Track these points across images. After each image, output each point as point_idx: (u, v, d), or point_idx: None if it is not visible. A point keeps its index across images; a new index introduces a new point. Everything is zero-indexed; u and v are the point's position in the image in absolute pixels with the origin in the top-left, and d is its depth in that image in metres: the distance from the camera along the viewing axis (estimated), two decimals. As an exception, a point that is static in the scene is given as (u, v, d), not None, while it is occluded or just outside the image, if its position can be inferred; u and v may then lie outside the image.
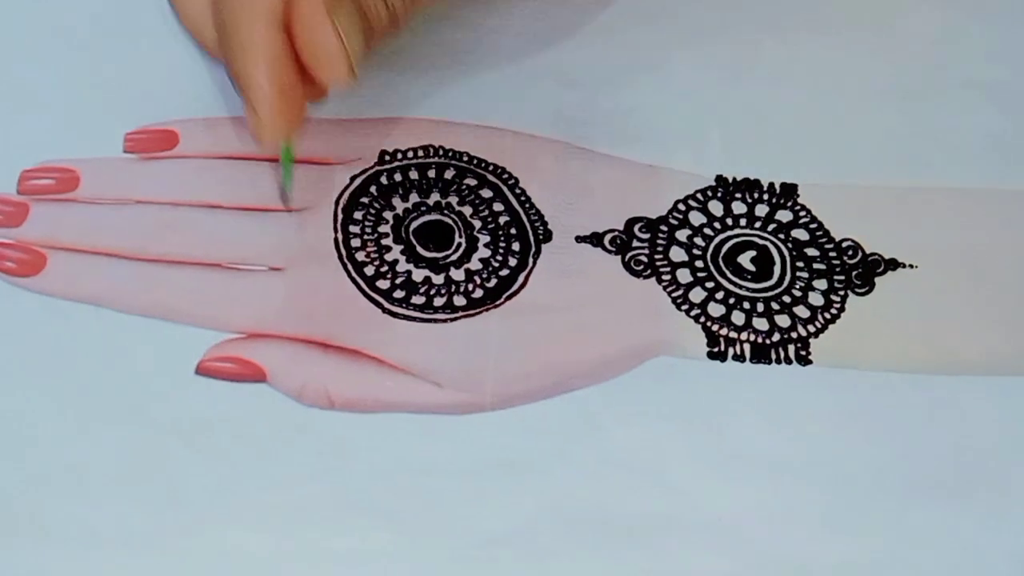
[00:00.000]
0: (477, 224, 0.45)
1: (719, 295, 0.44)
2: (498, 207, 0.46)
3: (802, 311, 0.44)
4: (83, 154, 0.46)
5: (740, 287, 0.45)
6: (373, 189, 0.46)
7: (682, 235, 0.46)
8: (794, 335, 0.44)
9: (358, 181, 0.46)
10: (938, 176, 0.47)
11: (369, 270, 0.44)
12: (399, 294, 0.44)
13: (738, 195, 0.47)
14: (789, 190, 0.47)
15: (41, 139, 0.46)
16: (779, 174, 0.47)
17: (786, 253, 0.45)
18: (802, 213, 0.46)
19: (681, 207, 0.46)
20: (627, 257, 0.45)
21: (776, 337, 0.44)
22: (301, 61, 0.42)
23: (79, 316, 0.43)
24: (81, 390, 0.42)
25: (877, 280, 0.45)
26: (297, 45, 0.42)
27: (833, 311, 0.44)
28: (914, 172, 0.47)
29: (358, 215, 0.45)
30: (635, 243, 0.45)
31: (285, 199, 0.45)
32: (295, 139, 0.44)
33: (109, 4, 0.49)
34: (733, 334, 0.44)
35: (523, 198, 0.46)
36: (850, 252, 0.45)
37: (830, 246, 0.45)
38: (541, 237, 0.45)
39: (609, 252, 0.45)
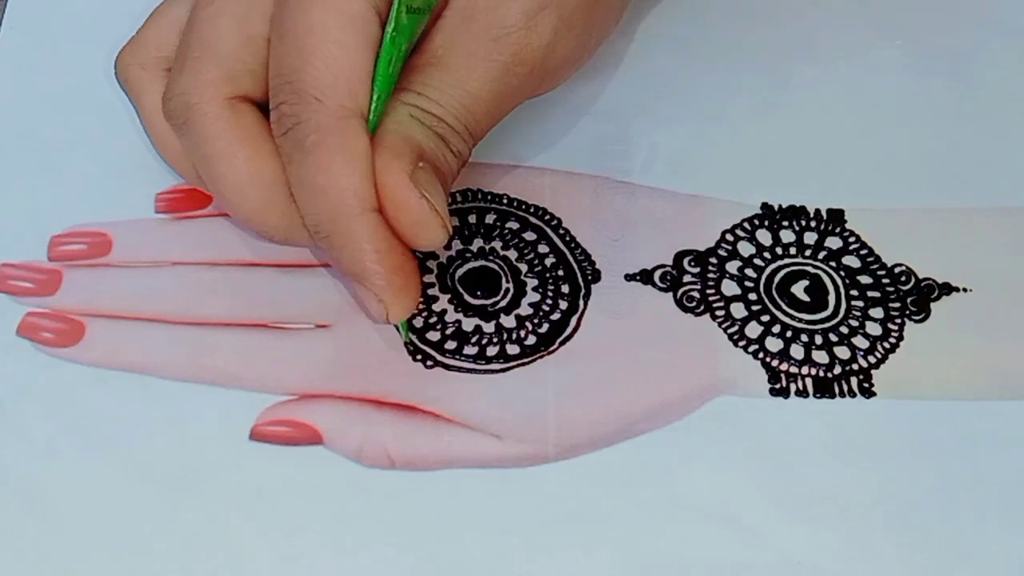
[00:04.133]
0: (523, 268, 0.44)
1: (776, 328, 0.44)
2: (543, 249, 0.45)
3: (861, 342, 0.43)
4: (114, 216, 0.45)
5: (796, 319, 0.44)
6: (415, 238, 0.45)
7: (732, 267, 0.45)
8: (855, 367, 0.43)
9: (399, 230, 0.45)
10: (983, 196, 0.46)
11: (418, 322, 0.43)
12: (451, 345, 0.43)
13: (785, 223, 0.46)
14: (836, 216, 0.46)
15: (70, 202, 0.45)
16: (823, 199, 0.46)
17: (839, 281, 0.45)
18: (851, 239, 0.45)
19: (729, 237, 0.45)
20: (679, 294, 0.44)
21: (838, 370, 0.43)
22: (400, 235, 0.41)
23: (123, 385, 0.42)
24: (132, 463, 0.40)
25: (932, 306, 0.44)
26: (391, 222, 0.40)
27: (892, 340, 0.43)
28: (958, 193, 0.46)
29: (402, 265, 0.44)
30: (686, 278, 0.44)
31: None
32: None
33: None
34: (794, 369, 0.43)
35: (568, 238, 0.45)
36: (903, 278, 0.45)
37: (882, 272, 0.45)
38: (590, 277, 0.44)
39: (660, 289, 0.44)
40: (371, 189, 0.40)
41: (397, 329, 0.43)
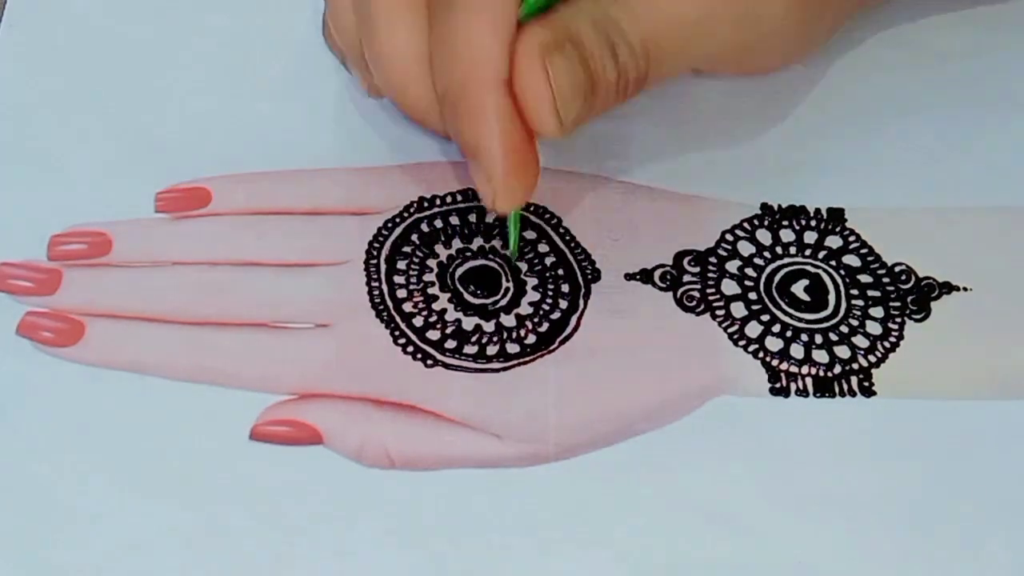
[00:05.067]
0: (523, 267, 0.44)
1: (776, 328, 0.44)
2: (543, 248, 0.45)
3: (861, 341, 0.43)
4: (113, 216, 0.45)
5: (796, 318, 0.44)
6: (415, 237, 0.45)
7: (732, 266, 0.45)
8: (855, 366, 0.43)
9: (399, 230, 0.45)
10: (983, 196, 0.46)
11: (418, 321, 0.43)
12: (451, 344, 0.43)
13: (785, 222, 0.46)
14: (836, 215, 0.46)
15: (69, 202, 0.45)
16: (823, 199, 0.46)
17: (839, 281, 0.45)
18: (851, 238, 0.45)
19: (729, 237, 0.45)
20: (679, 293, 0.44)
21: (838, 369, 0.43)
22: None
23: (123, 385, 0.42)
24: (131, 463, 0.40)
25: (933, 305, 0.44)
26: (515, 96, 0.39)
27: (892, 339, 0.43)
28: (958, 193, 0.46)
29: (402, 265, 0.44)
30: (686, 278, 0.44)
31: (510, 262, 0.44)
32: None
33: (133, 62, 0.48)
34: (794, 368, 0.43)
35: (567, 237, 0.45)
36: (903, 277, 0.45)
37: (883, 271, 0.45)
38: (590, 277, 0.44)
39: (660, 289, 0.44)
40: (505, 67, 0.39)
41: (507, 233, 0.43)
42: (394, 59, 0.41)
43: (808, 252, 0.45)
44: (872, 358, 0.43)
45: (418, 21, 0.41)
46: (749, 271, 0.45)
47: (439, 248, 0.45)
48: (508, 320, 0.43)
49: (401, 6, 0.41)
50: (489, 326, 0.43)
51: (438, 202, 0.46)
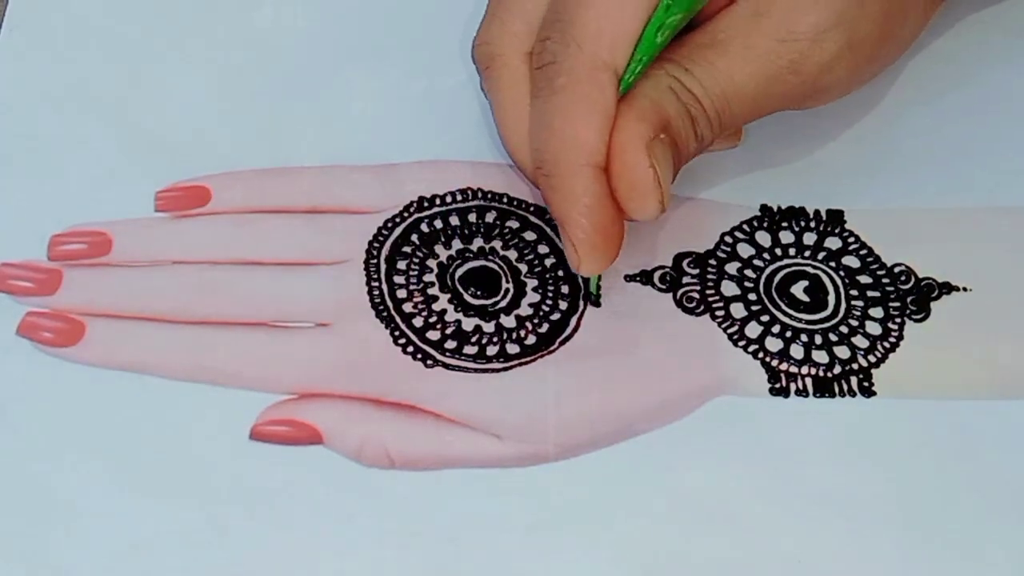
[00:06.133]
0: (523, 268, 0.44)
1: (775, 328, 0.44)
2: (543, 249, 0.45)
3: (861, 341, 0.43)
4: (113, 215, 0.45)
5: (796, 319, 0.44)
6: (414, 237, 0.45)
7: (732, 268, 0.45)
8: (855, 366, 0.43)
9: (399, 230, 0.45)
10: (983, 196, 0.46)
11: (418, 321, 0.43)
12: (451, 344, 0.43)
13: (784, 224, 0.46)
14: (836, 216, 0.46)
15: (69, 202, 0.45)
16: (823, 200, 0.46)
17: (839, 281, 0.45)
18: (851, 239, 0.45)
19: (728, 239, 0.45)
20: (678, 294, 0.44)
21: (837, 369, 0.43)
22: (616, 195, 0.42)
23: (123, 385, 0.42)
24: (131, 463, 0.40)
25: (932, 305, 0.44)
26: (612, 181, 0.41)
27: (892, 340, 0.43)
28: (958, 193, 0.46)
29: (402, 265, 0.44)
30: (685, 279, 0.44)
31: (592, 300, 0.44)
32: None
33: (133, 63, 0.48)
34: (793, 369, 0.43)
35: (567, 238, 0.45)
36: (903, 277, 0.45)
37: (882, 272, 0.45)
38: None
39: (660, 290, 0.44)
40: (601, 145, 0.41)
41: (587, 281, 0.44)
42: (513, 131, 0.44)
43: (807, 253, 0.45)
44: (872, 358, 0.43)
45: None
46: (748, 272, 0.45)
47: (439, 248, 0.45)
48: (508, 321, 0.43)
49: (524, 93, 0.43)
50: (489, 327, 0.43)
51: (438, 202, 0.46)
